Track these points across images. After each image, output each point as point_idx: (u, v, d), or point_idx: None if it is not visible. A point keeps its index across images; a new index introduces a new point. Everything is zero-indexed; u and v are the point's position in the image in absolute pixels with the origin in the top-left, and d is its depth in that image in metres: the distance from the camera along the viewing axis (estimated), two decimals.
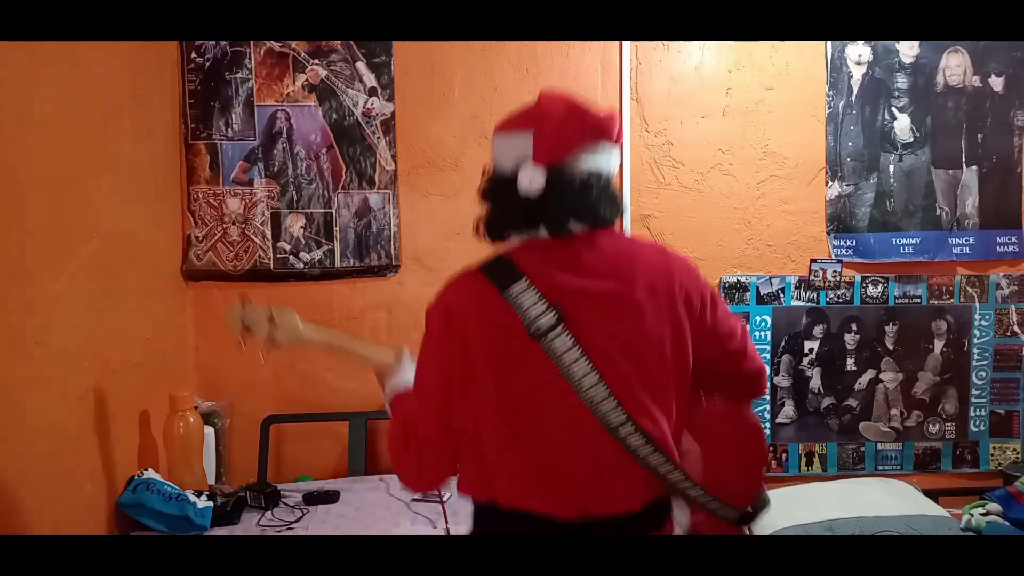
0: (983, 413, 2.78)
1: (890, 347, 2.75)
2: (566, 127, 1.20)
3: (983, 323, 2.75)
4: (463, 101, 2.63)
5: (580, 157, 1.20)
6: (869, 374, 2.75)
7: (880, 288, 2.74)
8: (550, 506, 1.17)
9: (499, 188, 1.24)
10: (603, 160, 1.23)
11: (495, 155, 1.26)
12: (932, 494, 2.57)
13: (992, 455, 2.79)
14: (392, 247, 2.63)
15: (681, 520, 1.27)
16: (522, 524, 1.18)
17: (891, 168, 2.72)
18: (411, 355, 1.46)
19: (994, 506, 2.43)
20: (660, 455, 1.17)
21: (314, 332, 1.62)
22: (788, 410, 2.74)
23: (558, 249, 1.20)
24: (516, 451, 1.17)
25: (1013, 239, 2.75)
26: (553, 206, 1.19)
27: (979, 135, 2.73)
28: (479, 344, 1.16)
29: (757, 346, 2.70)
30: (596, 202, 1.20)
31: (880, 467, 2.77)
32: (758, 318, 2.71)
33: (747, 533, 1.30)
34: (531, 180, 1.18)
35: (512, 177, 1.20)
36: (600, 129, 1.21)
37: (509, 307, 1.15)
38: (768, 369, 1.43)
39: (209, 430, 2.35)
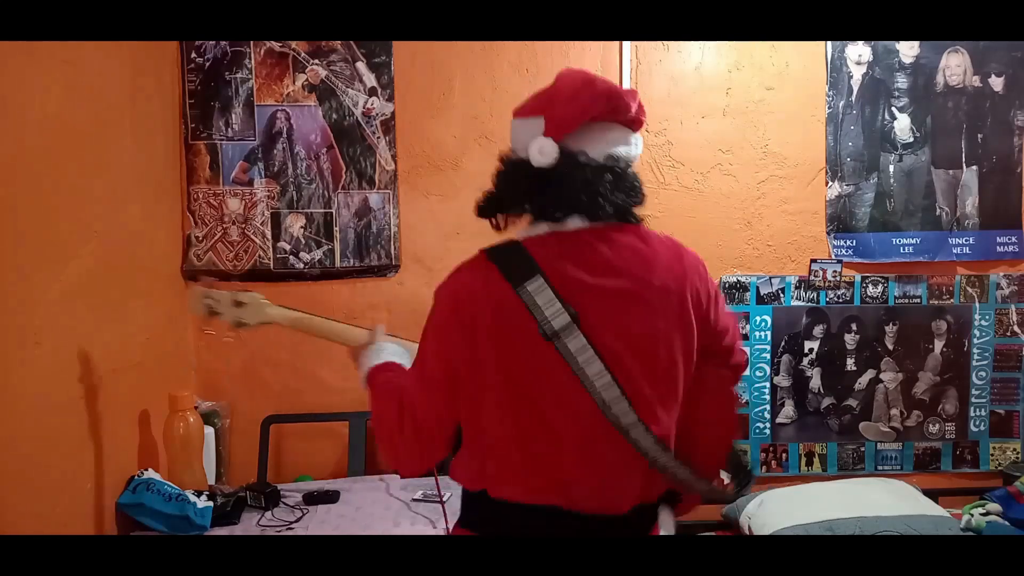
0: (983, 413, 2.78)
1: (890, 347, 2.75)
2: (577, 97, 1.18)
3: (983, 323, 2.75)
4: (463, 101, 2.63)
5: (594, 137, 1.19)
6: (869, 374, 2.75)
7: (880, 288, 2.74)
8: (541, 500, 1.17)
9: (510, 168, 1.23)
10: (619, 144, 1.21)
11: (512, 140, 1.25)
12: (932, 494, 2.57)
13: (992, 455, 2.79)
14: (392, 247, 2.63)
15: (668, 527, 1.27)
16: (510, 514, 1.18)
17: (891, 168, 2.72)
18: (384, 332, 1.48)
19: (994, 506, 2.43)
20: (667, 453, 1.17)
21: (283, 312, 1.64)
22: (788, 410, 2.74)
23: (573, 244, 1.18)
24: (517, 446, 1.16)
25: (1013, 239, 2.75)
26: (563, 189, 1.17)
27: (979, 135, 2.73)
28: (488, 338, 1.15)
29: (757, 346, 2.71)
30: (610, 191, 1.18)
31: (880, 467, 2.77)
32: (758, 318, 2.71)
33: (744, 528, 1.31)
34: (541, 150, 1.16)
35: (525, 158, 1.18)
36: (613, 98, 1.19)
37: (522, 303, 1.13)
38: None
39: (209, 430, 2.35)
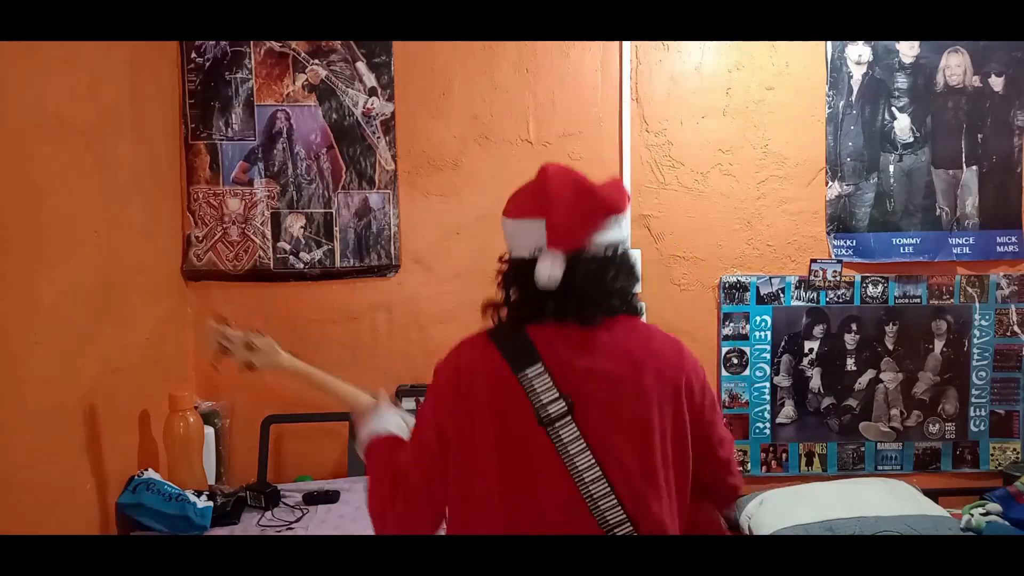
0: (983, 413, 2.78)
1: (890, 347, 2.75)
2: (579, 205, 1.17)
3: (983, 323, 2.75)
4: (463, 101, 2.63)
5: (595, 239, 1.19)
6: (869, 374, 2.75)
7: (880, 288, 2.73)
8: None
9: (519, 275, 1.22)
10: (616, 233, 1.21)
11: (509, 240, 1.24)
12: (932, 494, 2.57)
13: (992, 455, 2.79)
14: (392, 247, 2.63)
15: None
16: None
17: (891, 168, 2.72)
18: (389, 400, 1.45)
19: (994, 506, 2.43)
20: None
21: (293, 362, 1.63)
22: (788, 410, 2.74)
23: (575, 332, 1.18)
24: (502, 530, 1.16)
25: (1013, 239, 2.75)
26: (575, 297, 1.17)
27: (979, 135, 2.73)
28: (485, 418, 1.16)
29: (757, 346, 2.71)
30: (614, 284, 1.19)
31: (880, 467, 2.77)
32: (758, 318, 2.71)
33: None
34: (550, 274, 1.15)
35: (531, 264, 1.18)
36: (612, 207, 1.20)
37: (520, 387, 1.14)
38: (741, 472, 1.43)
39: (209, 430, 2.35)
